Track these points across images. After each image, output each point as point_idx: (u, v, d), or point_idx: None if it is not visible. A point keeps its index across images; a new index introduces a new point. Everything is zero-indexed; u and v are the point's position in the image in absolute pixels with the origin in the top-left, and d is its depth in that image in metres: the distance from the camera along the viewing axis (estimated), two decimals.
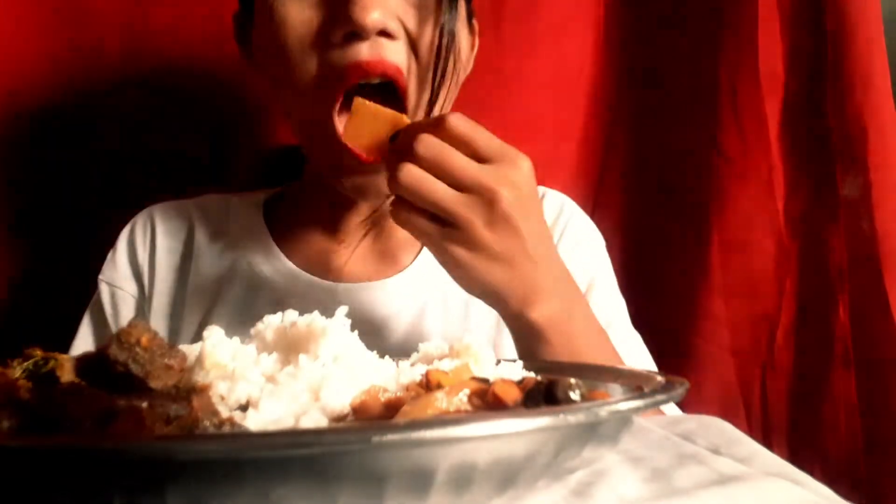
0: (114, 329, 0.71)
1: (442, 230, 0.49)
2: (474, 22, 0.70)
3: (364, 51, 0.55)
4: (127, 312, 0.72)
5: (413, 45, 0.58)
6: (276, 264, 0.70)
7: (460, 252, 0.50)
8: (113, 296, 0.73)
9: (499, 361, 0.47)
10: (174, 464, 0.26)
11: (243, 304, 0.69)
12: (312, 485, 0.27)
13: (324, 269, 0.70)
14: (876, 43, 0.80)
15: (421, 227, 0.50)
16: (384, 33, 0.55)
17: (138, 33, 0.91)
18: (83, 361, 0.34)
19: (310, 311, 0.56)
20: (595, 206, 0.98)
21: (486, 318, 0.68)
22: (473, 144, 0.49)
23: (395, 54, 0.56)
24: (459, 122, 0.49)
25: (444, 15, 0.57)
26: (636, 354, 0.73)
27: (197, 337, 0.51)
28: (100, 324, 0.73)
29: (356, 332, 0.42)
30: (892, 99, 0.80)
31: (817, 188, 0.85)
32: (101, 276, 0.74)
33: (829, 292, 0.83)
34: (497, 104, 0.95)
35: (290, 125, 0.67)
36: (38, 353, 0.35)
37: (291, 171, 0.76)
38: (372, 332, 0.66)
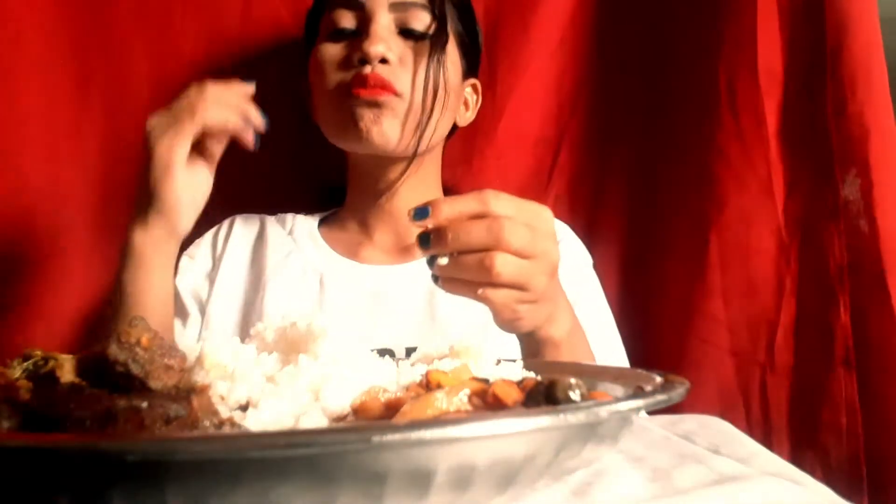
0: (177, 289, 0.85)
1: (518, 295, 0.55)
2: (475, 82, 0.91)
3: (368, 69, 0.78)
4: (191, 276, 0.88)
5: (409, 73, 0.80)
6: (321, 251, 0.90)
7: (525, 308, 0.57)
8: (187, 262, 0.88)
9: (499, 361, 0.47)
10: (174, 464, 0.26)
11: (295, 279, 0.87)
12: (312, 485, 0.27)
13: (356, 255, 0.89)
14: (874, 43, 0.80)
15: (506, 300, 0.55)
16: (384, 61, 0.78)
17: (166, 57, 0.94)
18: (83, 361, 0.34)
19: (343, 283, 0.86)
20: (596, 210, 0.99)
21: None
22: (519, 217, 0.54)
23: (388, 74, 0.78)
24: (505, 202, 0.54)
25: (431, 61, 0.80)
26: (617, 357, 0.84)
27: (260, 305, 0.84)
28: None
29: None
30: (890, 99, 0.80)
31: (817, 188, 0.85)
32: (185, 253, 0.88)
33: (829, 292, 0.83)
34: (493, 116, 0.95)
35: (318, 126, 0.86)
36: (38, 353, 0.35)
37: (336, 200, 0.96)
38: (390, 305, 0.83)
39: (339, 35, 0.82)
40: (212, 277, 0.89)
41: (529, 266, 0.54)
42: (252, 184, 0.96)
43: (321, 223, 0.94)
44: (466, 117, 0.91)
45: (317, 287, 0.85)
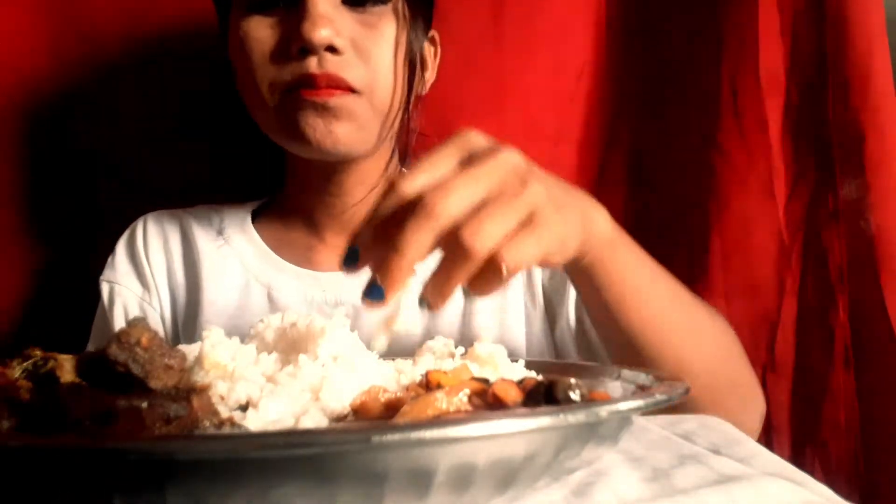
0: (112, 324, 0.75)
1: (507, 223, 0.40)
2: (433, 33, 0.76)
3: (313, 64, 0.62)
4: (129, 307, 0.76)
5: (367, 61, 0.64)
6: (264, 258, 0.77)
7: (543, 227, 0.42)
8: (111, 292, 0.77)
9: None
10: (174, 464, 0.26)
11: (236, 296, 0.75)
12: (312, 485, 0.27)
13: (307, 260, 0.77)
14: (878, 44, 0.80)
15: (510, 238, 0.40)
16: (331, 49, 0.62)
17: (138, 21, 0.90)
18: (83, 361, 0.34)
19: (293, 292, 0.74)
20: None
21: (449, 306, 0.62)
22: (430, 167, 0.42)
23: (340, 68, 0.63)
24: (415, 175, 0.41)
25: (392, 39, 0.65)
26: None
27: (198, 331, 0.68)
28: (102, 325, 0.77)
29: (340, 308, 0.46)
30: (893, 100, 0.80)
31: (818, 189, 0.85)
32: (101, 278, 0.78)
33: (830, 293, 0.83)
34: (496, 106, 0.95)
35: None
36: (38, 353, 0.35)
37: (272, 184, 0.83)
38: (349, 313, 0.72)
39: (263, 3, 0.65)
40: (142, 304, 0.76)
41: (487, 187, 0.41)
42: (172, 167, 0.89)
43: (254, 219, 0.80)
44: (427, 79, 0.76)
45: (265, 303, 0.74)
